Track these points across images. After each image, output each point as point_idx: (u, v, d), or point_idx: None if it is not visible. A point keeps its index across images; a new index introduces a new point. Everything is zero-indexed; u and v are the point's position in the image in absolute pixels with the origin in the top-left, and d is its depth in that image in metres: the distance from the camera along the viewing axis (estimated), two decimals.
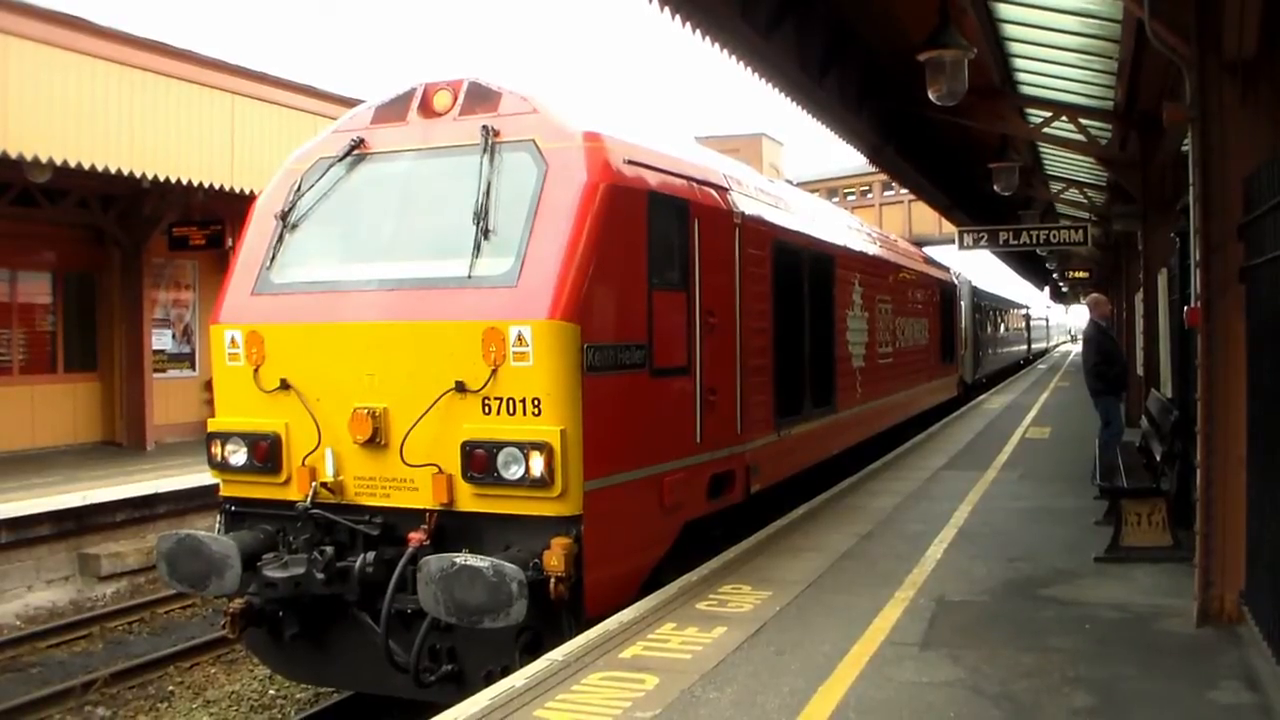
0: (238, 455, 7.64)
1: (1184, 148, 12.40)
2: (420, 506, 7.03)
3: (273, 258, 7.90)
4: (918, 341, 19.21)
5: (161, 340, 19.62)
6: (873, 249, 16.03)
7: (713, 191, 8.94)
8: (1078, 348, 62.07)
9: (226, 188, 16.17)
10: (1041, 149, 19.04)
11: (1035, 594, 7.72)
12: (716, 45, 10.44)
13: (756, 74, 11.62)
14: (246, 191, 15.66)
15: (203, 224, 18.24)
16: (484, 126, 7.46)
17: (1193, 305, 7.08)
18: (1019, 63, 13.74)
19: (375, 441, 7.13)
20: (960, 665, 6.07)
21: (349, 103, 15.15)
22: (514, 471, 6.75)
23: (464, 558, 6.42)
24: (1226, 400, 6.59)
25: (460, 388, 6.88)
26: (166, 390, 19.33)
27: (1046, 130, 15.96)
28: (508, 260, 7.01)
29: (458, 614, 6.38)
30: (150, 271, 18.85)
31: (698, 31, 9.96)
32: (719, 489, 8.79)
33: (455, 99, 7.79)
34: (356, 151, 7.97)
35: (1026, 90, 14.96)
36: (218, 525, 7.89)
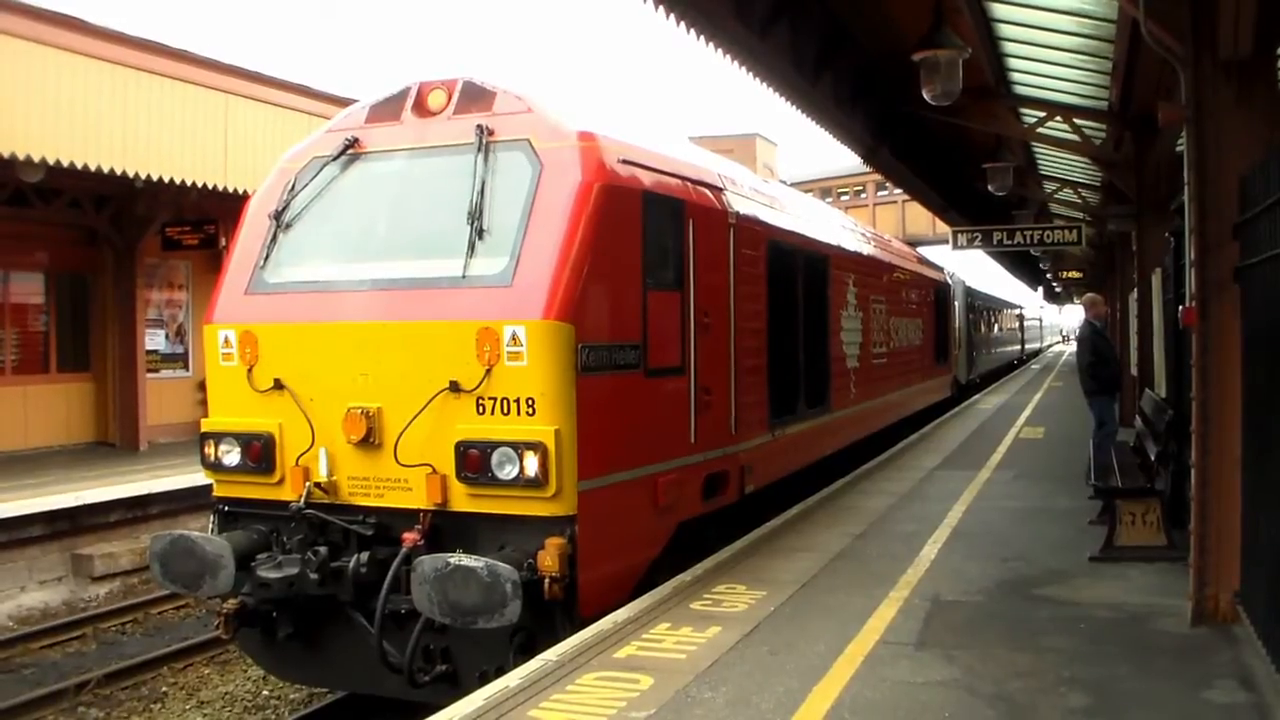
0: (231, 455, 7.62)
1: (1179, 148, 12.42)
2: (414, 507, 7.02)
3: (266, 257, 7.88)
4: (912, 341, 19.22)
5: (155, 340, 19.59)
6: (867, 249, 16.03)
7: (707, 191, 8.93)
8: (1071, 347, 62.10)
9: (220, 187, 16.14)
10: (1036, 149, 19.06)
11: (1030, 594, 7.72)
12: (711, 45, 10.43)
13: (751, 74, 11.61)
14: (240, 191, 15.63)
15: (196, 224, 18.22)
16: (478, 126, 7.44)
17: (1188, 305, 7.08)
18: (1013, 63, 13.75)
19: (369, 441, 7.11)
20: (955, 665, 6.06)
21: (343, 102, 15.13)
22: (508, 471, 6.74)
23: (458, 558, 6.40)
24: (1222, 400, 6.59)
25: (454, 388, 6.87)
26: (160, 390, 19.29)
27: (1041, 130, 15.99)
28: (502, 260, 7.00)
29: (452, 614, 6.37)
30: (143, 271, 18.82)
31: (692, 31, 9.95)
32: (713, 489, 8.78)
33: (450, 98, 7.78)
34: (351, 151, 7.94)
35: (1021, 90, 14.98)
36: (211, 525, 7.87)
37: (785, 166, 47.03)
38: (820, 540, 9.53)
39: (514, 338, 6.74)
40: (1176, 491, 8.97)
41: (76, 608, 12.55)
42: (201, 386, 16.71)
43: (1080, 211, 22.89)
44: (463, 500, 6.93)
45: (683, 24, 9.74)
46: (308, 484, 7.25)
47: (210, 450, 7.71)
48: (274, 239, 7.92)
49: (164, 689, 9.83)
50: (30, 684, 9.85)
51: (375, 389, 7.14)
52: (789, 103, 13.12)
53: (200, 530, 7.82)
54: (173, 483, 14.61)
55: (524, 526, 6.81)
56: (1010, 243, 20.35)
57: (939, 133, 17.91)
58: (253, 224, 8.13)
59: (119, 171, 14.56)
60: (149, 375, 18.96)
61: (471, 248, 7.11)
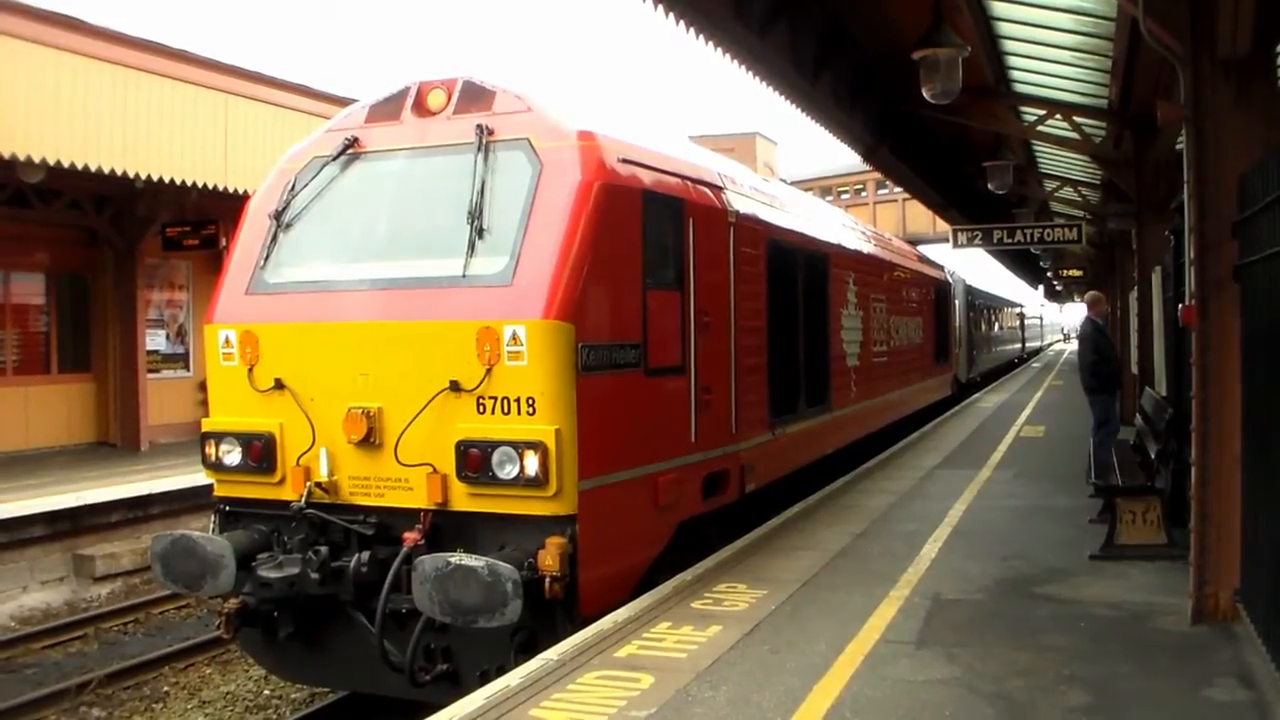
0: (232, 455, 7.63)
1: (1178, 146, 12.42)
2: (415, 506, 7.02)
3: (267, 257, 7.88)
4: (912, 340, 19.21)
5: (155, 341, 19.60)
6: (867, 247, 16.03)
7: (707, 190, 8.94)
8: (1072, 346, 62.02)
9: (220, 188, 16.15)
10: (1036, 147, 19.07)
11: (1030, 592, 7.72)
12: (711, 44, 10.45)
13: (751, 73, 11.62)
14: (240, 191, 15.63)
15: (196, 224, 18.22)
16: (478, 125, 7.45)
17: (1188, 303, 7.09)
18: (1013, 61, 13.76)
19: (370, 441, 7.11)
20: (956, 663, 6.07)
21: (343, 102, 15.13)
22: (509, 471, 6.74)
23: (459, 557, 6.41)
24: (1221, 398, 6.60)
25: (455, 387, 6.87)
26: (161, 390, 19.30)
27: (1041, 129, 15.99)
28: (502, 259, 7.01)
29: (453, 614, 6.37)
30: (144, 272, 18.83)
31: (692, 30, 9.97)
32: (714, 488, 8.78)
33: (449, 98, 7.78)
34: (351, 151, 7.95)
35: (1021, 89, 14.98)
36: (212, 525, 7.87)
37: (785, 165, 47.04)
38: (821, 539, 9.54)
39: (514, 337, 6.75)
40: (1177, 490, 8.97)
41: (78, 608, 12.56)
42: (202, 386, 16.68)
43: (1080, 210, 22.90)
44: (463, 500, 6.93)
45: (682, 23, 9.76)
46: (308, 484, 7.26)
47: (211, 450, 7.71)
48: (274, 239, 7.92)
49: (166, 689, 9.84)
50: (32, 684, 9.86)
51: (376, 389, 7.15)
52: (789, 102, 13.13)
53: (201, 530, 7.83)
54: (174, 483, 14.62)
55: (524, 526, 6.82)
56: (1010, 241, 20.35)
57: (939, 131, 17.92)
58: (253, 224, 8.13)
59: (119, 172, 14.57)
60: (150, 375, 18.97)
61: (471, 247, 7.11)
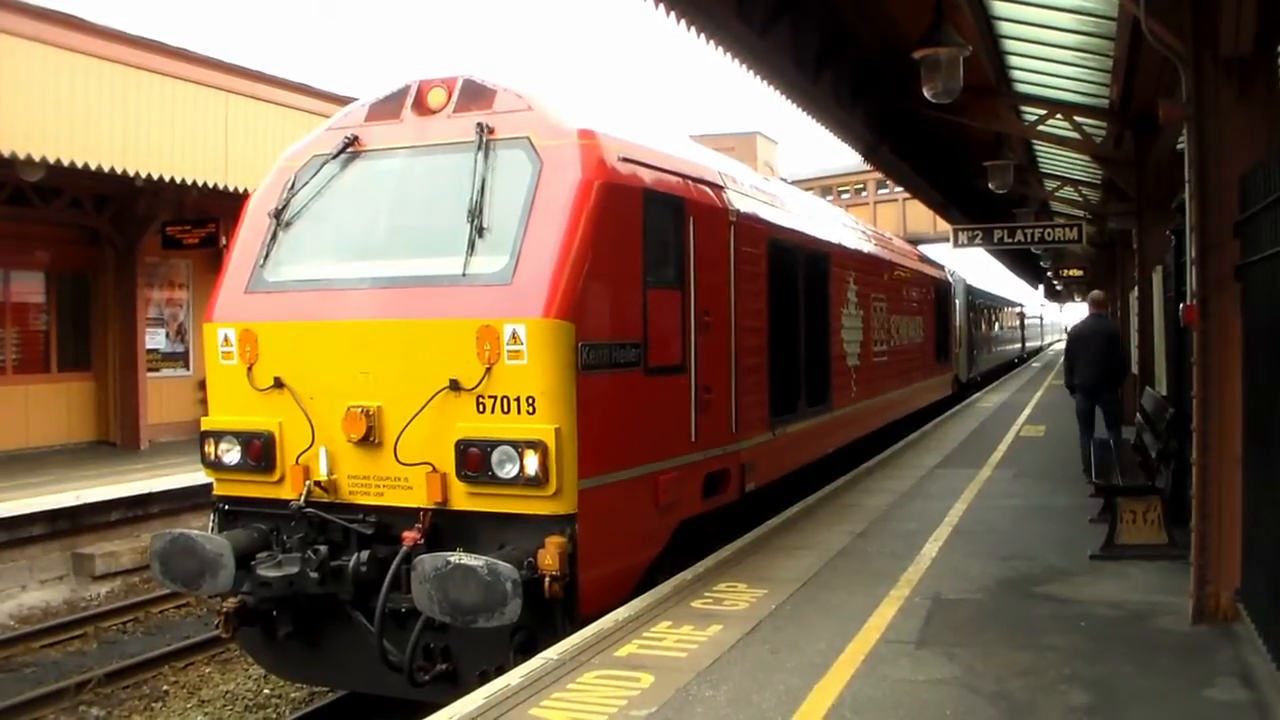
0: (231, 454, 7.62)
1: (1179, 146, 12.40)
2: (414, 505, 7.02)
3: (266, 256, 7.87)
4: (912, 340, 19.21)
5: (155, 339, 19.61)
6: (868, 247, 16.03)
7: (708, 189, 8.93)
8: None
9: (220, 186, 16.13)
10: (1036, 147, 19.04)
11: (1031, 592, 7.72)
12: (712, 43, 10.44)
13: (752, 72, 11.61)
14: (240, 190, 15.62)
15: (196, 223, 18.22)
16: (478, 124, 7.44)
17: (1189, 303, 7.08)
18: (1014, 60, 13.73)
19: (369, 440, 7.11)
20: (956, 663, 6.06)
21: (343, 101, 15.12)
22: (508, 470, 6.73)
23: (458, 557, 6.40)
24: (1222, 398, 6.59)
25: (454, 386, 6.87)
26: (160, 389, 19.29)
27: (1041, 128, 15.96)
28: (502, 258, 7.00)
29: (452, 613, 6.37)
30: (144, 271, 18.82)
31: (693, 29, 9.96)
32: (714, 488, 8.78)
33: (450, 96, 7.77)
34: (350, 149, 7.94)
35: (1022, 88, 14.96)
36: (211, 524, 7.87)
37: (786, 164, 46.95)
38: (821, 538, 9.53)
39: (514, 336, 6.74)
40: (1177, 489, 8.96)
41: (77, 607, 12.56)
42: (202, 385, 16.70)
43: (1081, 209, 22.88)
44: (463, 499, 6.93)
45: (683, 22, 9.75)
46: (308, 482, 7.25)
47: (210, 449, 7.71)
48: (274, 237, 7.91)
49: (165, 688, 9.84)
50: (31, 683, 9.85)
51: (375, 387, 7.14)
52: (790, 101, 13.11)
53: (201, 529, 7.82)
54: (173, 482, 14.62)
55: (524, 525, 6.81)
56: (1011, 241, 20.34)
57: (940, 130, 17.91)
58: (252, 222, 8.12)
59: (119, 170, 14.55)
60: (149, 374, 18.98)
61: (471, 246, 7.11)
